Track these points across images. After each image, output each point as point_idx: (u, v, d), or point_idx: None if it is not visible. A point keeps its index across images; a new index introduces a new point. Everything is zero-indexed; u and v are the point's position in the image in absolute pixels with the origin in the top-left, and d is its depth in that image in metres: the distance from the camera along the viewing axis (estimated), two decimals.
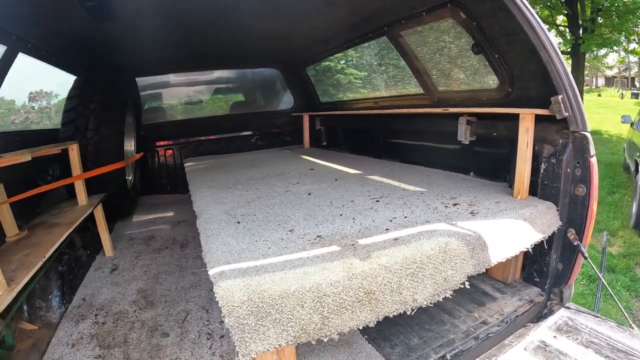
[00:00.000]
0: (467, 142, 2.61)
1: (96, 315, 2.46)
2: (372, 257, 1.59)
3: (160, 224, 4.22)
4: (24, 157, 2.22)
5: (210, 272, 1.57)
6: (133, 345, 2.11)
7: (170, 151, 5.46)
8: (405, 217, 2.03)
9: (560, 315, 1.97)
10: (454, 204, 2.15)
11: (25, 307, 2.47)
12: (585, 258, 1.94)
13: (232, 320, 1.32)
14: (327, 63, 5.82)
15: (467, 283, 1.67)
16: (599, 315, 1.94)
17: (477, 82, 2.68)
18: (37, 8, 2.34)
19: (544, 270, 2.11)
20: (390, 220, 1.99)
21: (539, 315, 2.06)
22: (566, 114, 1.83)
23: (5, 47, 2.70)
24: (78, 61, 3.83)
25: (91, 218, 3.23)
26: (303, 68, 5.23)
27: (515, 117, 2.07)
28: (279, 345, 1.37)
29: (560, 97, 1.82)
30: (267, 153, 5.06)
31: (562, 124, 1.92)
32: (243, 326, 1.33)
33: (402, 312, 1.55)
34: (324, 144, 5.32)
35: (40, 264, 2.08)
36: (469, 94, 2.75)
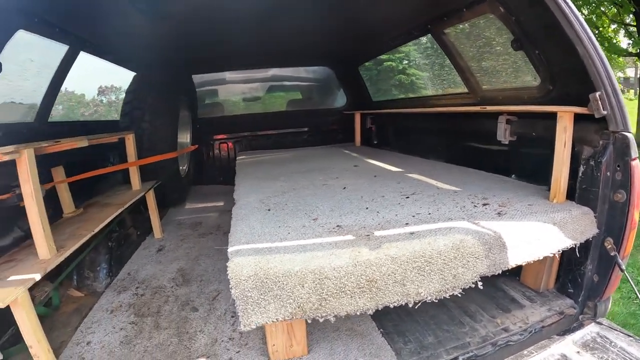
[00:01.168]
0: (507, 142, 2.50)
1: (137, 287, 2.69)
2: (382, 247, 1.61)
3: (209, 212, 4.45)
4: (81, 142, 2.45)
5: (230, 249, 1.69)
6: (164, 316, 2.30)
7: (225, 144, 5.72)
8: (429, 213, 2.02)
9: (589, 330, 1.83)
10: (484, 204, 2.09)
11: (74, 276, 2.76)
12: (622, 271, 1.78)
13: (237, 292, 1.44)
14: (389, 63, 5.82)
15: (479, 283, 1.62)
16: (632, 335, 1.77)
17: (519, 80, 2.57)
18: (94, 8, 2.56)
19: (578, 281, 1.97)
20: (413, 216, 1.99)
21: (568, 328, 1.93)
22: (604, 112, 1.70)
23: (67, 46, 2.94)
24: (135, 58, 4.11)
25: (144, 203, 3.51)
26: (355, 66, 5.26)
27: (556, 116, 1.96)
28: (276, 319, 1.46)
29: (598, 94, 1.69)
30: (317, 150, 5.16)
31: (602, 123, 1.78)
32: (247, 298, 1.44)
33: (403, 303, 1.56)
34: (375, 142, 5.30)
35: (88, 236, 2.30)
36: (511, 92, 2.62)
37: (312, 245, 1.69)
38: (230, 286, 1.46)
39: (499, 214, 1.92)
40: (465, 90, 3.15)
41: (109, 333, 2.16)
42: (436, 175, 2.87)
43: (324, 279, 1.47)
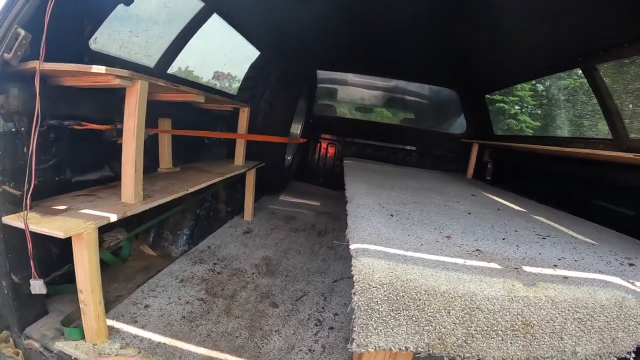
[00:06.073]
0: None
1: (215, 264, 2.54)
2: (538, 286, 1.28)
3: (303, 209, 4.28)
4: (198, 97, 2.31)
5: (352, 246, 1.41)
6: (238, 303, 2.09)
7: (332, 146, 5.59)
8: (575, 260, 1.65)
9: None
10: (630, 264, 1.69)
11: (152, 233, 2.67)
12: None
13: (362, 299, 1.15)
14: (501, 105, 5.42)
15: (632, 355, 1.27)
16: None
17: None
18: None
19: None
20: (559, 259, 1.64)
21: None
22: None
23: (203, 4, 2.86)
24: (266, 37, 3.99)
25: (242, 181, 3.42)
26: (482, 94, 4.88)
27: None
28: (405, 347, 1.16)
29: None
30: (428, 172, 4.74)
31: None
32: (372, 311, 1.15)
33: None
34: (488, 178, 4.82)
35: (181, 193, 2.18)
36: None
37: (454, 265, 1.38)
38: (352, 291, 1.17)
39: None
40: (608, 136, 2.73)
41: (173, 303, 2.00)
42: (565, 224, 2.45)
43: (474, 309, 1.16)
